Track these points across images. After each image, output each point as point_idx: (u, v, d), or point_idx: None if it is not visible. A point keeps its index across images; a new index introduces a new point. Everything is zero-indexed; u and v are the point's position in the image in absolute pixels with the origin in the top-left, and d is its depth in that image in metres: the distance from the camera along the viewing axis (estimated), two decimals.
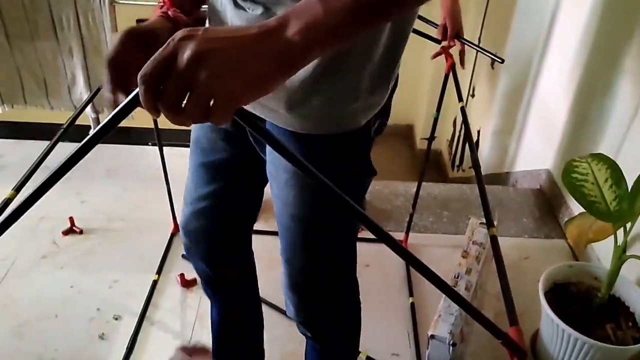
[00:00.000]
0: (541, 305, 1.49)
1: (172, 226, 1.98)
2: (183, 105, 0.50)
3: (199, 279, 1.77)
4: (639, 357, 1.41)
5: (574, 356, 1.43)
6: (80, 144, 0.58)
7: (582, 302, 1.52)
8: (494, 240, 0.89)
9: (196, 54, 0.48)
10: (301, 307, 1.07)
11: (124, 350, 1.56)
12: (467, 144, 3.27)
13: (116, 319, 1.67)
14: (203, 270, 1.18)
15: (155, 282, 1.78)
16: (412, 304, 1.75)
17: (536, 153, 2.40)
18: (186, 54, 0.48)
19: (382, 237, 0.63)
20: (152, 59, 0.50)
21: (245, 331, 1.32)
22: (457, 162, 3.45)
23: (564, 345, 1.45)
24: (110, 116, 0.57)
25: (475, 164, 1.02)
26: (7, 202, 0.96)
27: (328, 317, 1.12)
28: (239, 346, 1.34)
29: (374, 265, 1.86)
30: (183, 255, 1.88)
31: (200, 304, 1.73)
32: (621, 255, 1.37)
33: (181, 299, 1.75)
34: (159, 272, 1.82)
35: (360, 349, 1.60)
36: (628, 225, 1.35)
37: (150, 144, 2.44)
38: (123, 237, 1.98)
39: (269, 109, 0.84)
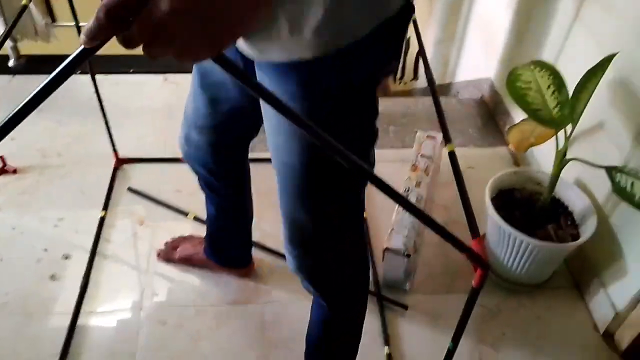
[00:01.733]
0: (487, 211, 1.55)
1: (113, 159, 1.90)
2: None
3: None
4: (577, 253, 1.52)
5: (519, 257, 1.51)
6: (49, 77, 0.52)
7: (526, 206, 1.59)
8: (452, 155, 0.89)
9: (172, 10, 0.43)
10: (302, 262, 1.01)
11: (78, 289, 1.53)
12: (406, 56, 3.25)
13: (66, 258, 1.63)
14: (202, 173, 1.25)
15: (102, 219, 1.72)
16: (364, 219, 1.78)
17: (477, 62, 2.41)
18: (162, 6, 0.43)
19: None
20: None
21: (235, 224, 1.44)
22: (398, 75, 3.44)
23: (509, 247, 1.53)
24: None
25: (430, 79, 1.01)
26: None
27: (332, 271, 1.04)
28: (230, 235, 1.47)
29: None
30: (129, 189, 1.83)
31: (152, 235, 1.70)
32: (562, 159, 1.42)
33: (132, 232, 1.71)
34: (105, 207, 1.76)
35: None
36: (568, 130, 1.40)
37: (79, 72, 2.28)
38: (62, 173, 1.88)
39: (263, 41, 0.71)
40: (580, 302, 1.60)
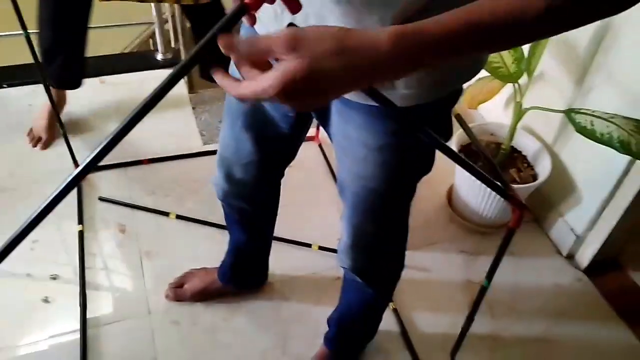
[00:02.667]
0: (455, 165, 1.70)
1: (74, 170, 1.82)
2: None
3: None
4: (538, 191, 1.72)
5: (489, 202, 1.69)
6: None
7: (486, 156, 1.76)
8: (459, 118, 1.01)
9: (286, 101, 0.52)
10: (359, 263, 1.10)
11: (78, 307, 1.49)
12: None
13: (54, 279, 1.57)
14: (243, 206, 1.24)
15: (81, 233, 1.67)
16: None
17: None
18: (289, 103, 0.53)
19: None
20: (259, 81, 0.52)
21: (264, 245, 1.47)
22: None
23: (479, 195, 1.69)
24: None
25: None
26: None
27: (382, 267, 1.16)
28: (259, 257, 1.51)
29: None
30: (100, 198, 1.77)
31: (138, 241, 1.67)
32: (520, 109, 1.60)
33: (116, 242, 1.67)
34: (80, 221, 1.70)
35: (310, 242, 1.72)
36: (524, 83, 1.57)
37: (5, 86, 2.14)
38: (20, 195, 1.77)
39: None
40: (541, 233, 1.82)
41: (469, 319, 1.14)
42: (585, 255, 1.69)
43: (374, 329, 1.39)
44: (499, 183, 0.89)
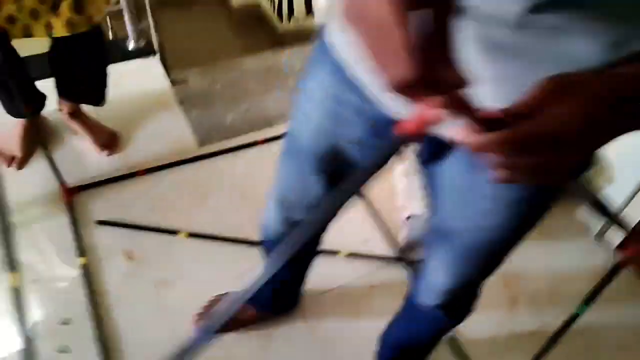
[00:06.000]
0: None
1: (61, 192, 1.61)
2: None
3: None
4: None
5: None
6: None
7: None
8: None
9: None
10: (450, 302, 1.02)
11: (100, 354, 1.34)
12: None
13: (65, 323, 1.40)
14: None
15: (85, 266, 1.49)
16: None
17: None
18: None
19: None
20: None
21: (304, 274, 1.35)
22: (285, 11, 3.27)
23: None
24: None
25: None
26: None
27: (469, 304, 1.11)
28: (297, 285, 1.40)
29: None
30: (98, 222, 1.59)
31: (150, 268, 1.52)
32: None
33: (126, 271, 1.51)
34: (81, 253, 1.51)
35: (336, 249, 1.60)
36: None
37: None
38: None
39: None
40: (571, 211, 1.78)
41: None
42: (615, 235, 1.67)
43: (433, 350, 1.32)
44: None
